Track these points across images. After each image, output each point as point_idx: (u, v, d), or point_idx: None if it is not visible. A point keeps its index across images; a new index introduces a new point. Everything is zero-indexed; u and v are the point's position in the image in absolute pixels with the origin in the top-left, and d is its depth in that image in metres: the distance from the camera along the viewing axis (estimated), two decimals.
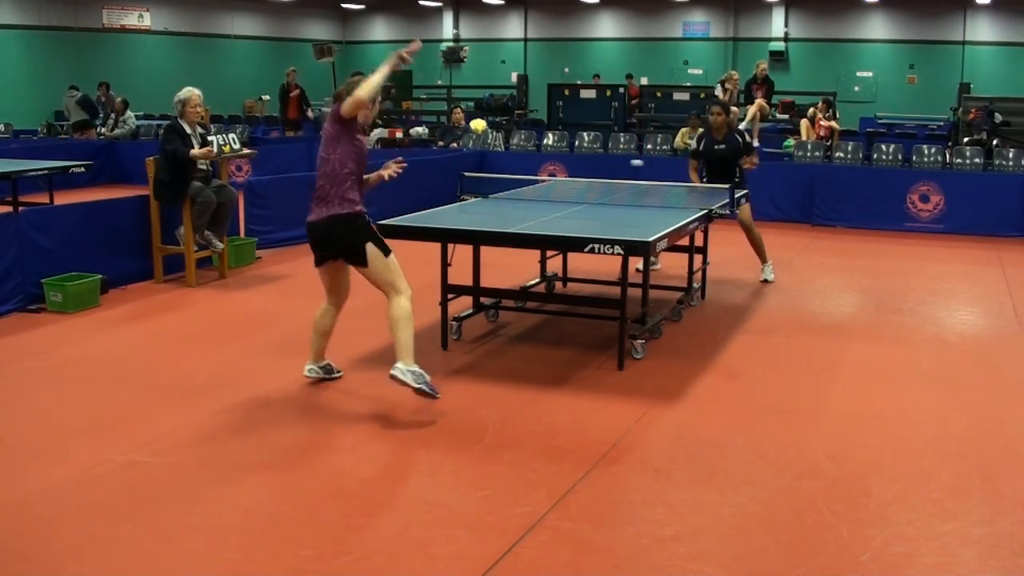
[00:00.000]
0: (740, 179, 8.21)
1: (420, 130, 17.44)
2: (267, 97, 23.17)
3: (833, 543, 3.74)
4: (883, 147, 14.61)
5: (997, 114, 16.57)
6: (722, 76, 15.39)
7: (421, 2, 28.71)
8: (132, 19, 24.34)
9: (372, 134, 16.55)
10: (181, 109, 8.03)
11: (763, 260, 8.55)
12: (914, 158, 14.05)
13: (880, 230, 11.55)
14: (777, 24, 25.89)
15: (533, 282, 7.61)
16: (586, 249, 5.53)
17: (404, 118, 19.31)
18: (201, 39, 26.05)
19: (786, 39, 25.83)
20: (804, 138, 14.95)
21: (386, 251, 5.12)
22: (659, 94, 18.33)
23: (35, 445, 4.67)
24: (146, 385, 5.58)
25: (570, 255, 7.74)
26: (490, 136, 15.90)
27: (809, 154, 14.23)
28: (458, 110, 16.88)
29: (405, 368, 4.94)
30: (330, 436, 4.85)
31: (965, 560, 3.65)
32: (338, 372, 5.62)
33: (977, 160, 13.78)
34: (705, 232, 7.81)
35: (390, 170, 5.38)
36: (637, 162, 9.44)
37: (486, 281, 6.78)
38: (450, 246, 6.19)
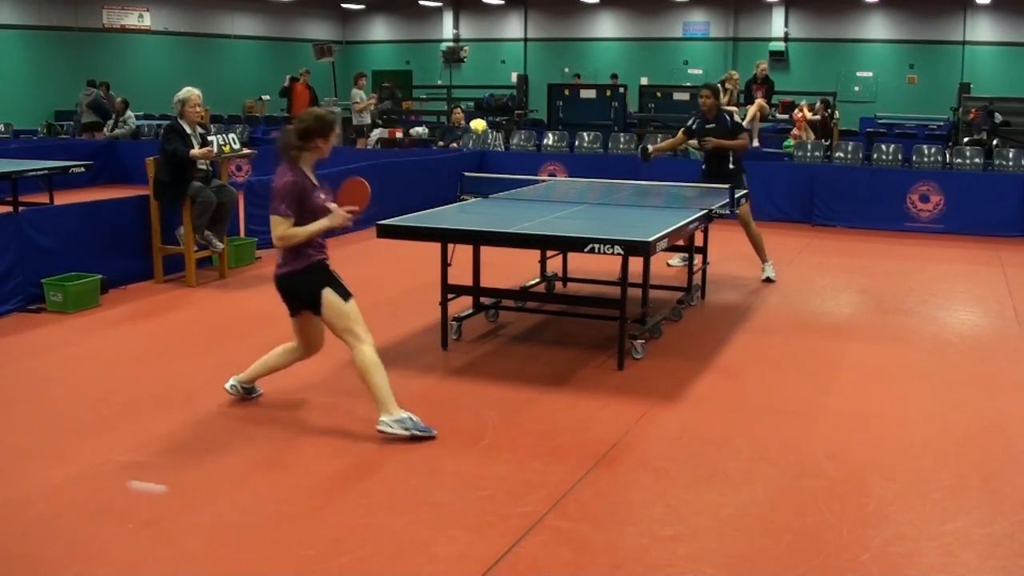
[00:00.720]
0: (736, 170, 8.23)
1: (420, 130, 17.44)
2: (267, 97, 23.16)
3: (833, 543, 3.74)
4: (883, 147, 14.62)
5: (997, 114, 16.57)
6: (722, 76, 15.40)
7: (421, 2, 28.70)
8: (132, 19, 24.33)
9: (372, 134, 16.57)
10: (181, 109, 8.03)
11: (763, 259, 8.56)
12: (914, 158, 14.06)
13: (880, 230, 11.55)
14: (777, 24, 25.88)
15: (533, 282, 7.61)
16: (586, 249, 5.53)
17: (404, 118, 19.31)
18: (201, 39, 26.04)
19: (786, 39, 25.82)
20: (799, 131, 15.07)
21: (345, 295, 4.80)
22: (659, 94, 18.30)
23: (35, 445, 4.67)
24: (146, 385, 5.58)
25: (570, 255, 7.74)
26: (490, 136, 15.90)
27: (809, 154, 14.24)
28: (458, 110, 16.88)
29: (390, 420, 4.72)
30: (330, 436, 4.84)
31: (965, 560, 3.65)
32: (259, 392, 5.36)
33: (977, 160, 13.78)
34: (705, 232, 7.81)
35: (337, 221, 4.78)
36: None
37: (486, 281, 6.78)
38: (450, 246, 6.19)
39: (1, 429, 4.87)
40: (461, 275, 6.41)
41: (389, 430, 4.71)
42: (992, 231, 11.24)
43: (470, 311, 6.77)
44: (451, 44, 26.83)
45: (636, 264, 5.94)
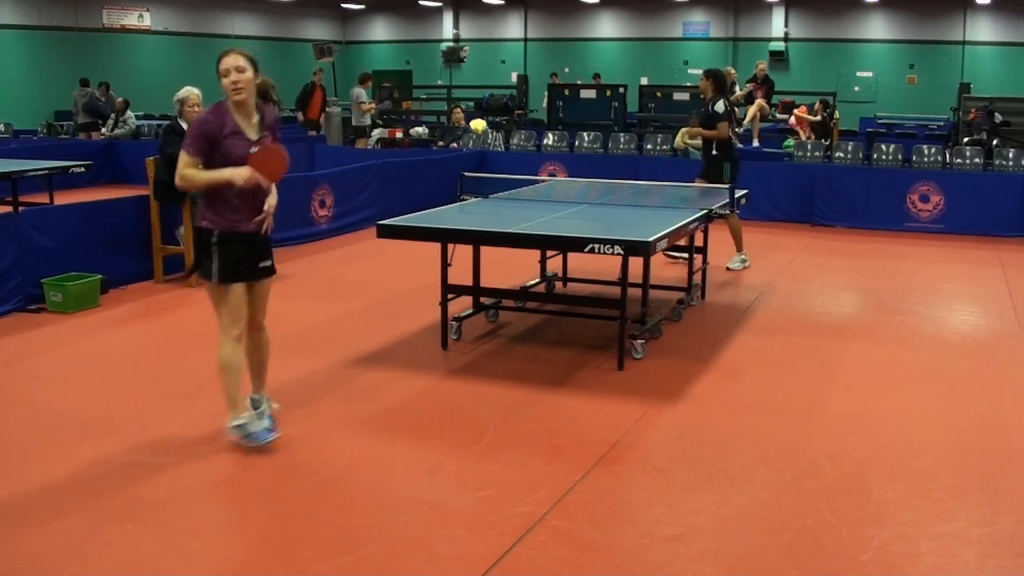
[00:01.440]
0: (718, 157, 8.28)
1: (420, 130, 17.45)
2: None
3: (833, 543, 3.74)
4: (883, 147, 14.62)
5: (997, 114, 16.58)
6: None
7: (421, 2, 28.71)
8: (132, 19, 24.34)
9: (372, 134, 16.58)
10: (180, 108, 8.03)
11: (738, 249, 8.58)
12: (914, 158, 14.06)
13: (880, 230, 11.54)
14: (777, 24, 25.89)
15: (533, 282, 7.61)
16: (586, 249, 5.53)
17: (404, 118, 19.31)
18: (201, 39, 26.02)
19: (786, 39, 25.82)
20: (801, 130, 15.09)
21: (226, 277, 4.37)
22: (659, 94, 18.30)
23: (36, 445, 4.67)
24: (146, 385, 5.58)
25: (570, 255, 7.74)
26: (490, 136, 15.91)
27: (809, 154, 14.24)
28: (458, 110, 16.88)
29: (229, 426, 4.51)
30: (330, 436, 4.84)
31: (965, 560, 3.65)
32: (268, 402, 4.85)
33: (977, 160, 13.79)
34: (705, 232, 7.81)
35: (237, 176, 4.52)
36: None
37: (486, 281, 6.78)
38: (450, 246, 6.19)
39: (1, 429, 4.87)
40: (461, 275, 6.41)
41: (229, 436, 4.56)
42: (992, 231, 11.24)
43: (470, 311, 6.77)
44: (451, 44, 26.86)
45: (636, 264, 5.94)
